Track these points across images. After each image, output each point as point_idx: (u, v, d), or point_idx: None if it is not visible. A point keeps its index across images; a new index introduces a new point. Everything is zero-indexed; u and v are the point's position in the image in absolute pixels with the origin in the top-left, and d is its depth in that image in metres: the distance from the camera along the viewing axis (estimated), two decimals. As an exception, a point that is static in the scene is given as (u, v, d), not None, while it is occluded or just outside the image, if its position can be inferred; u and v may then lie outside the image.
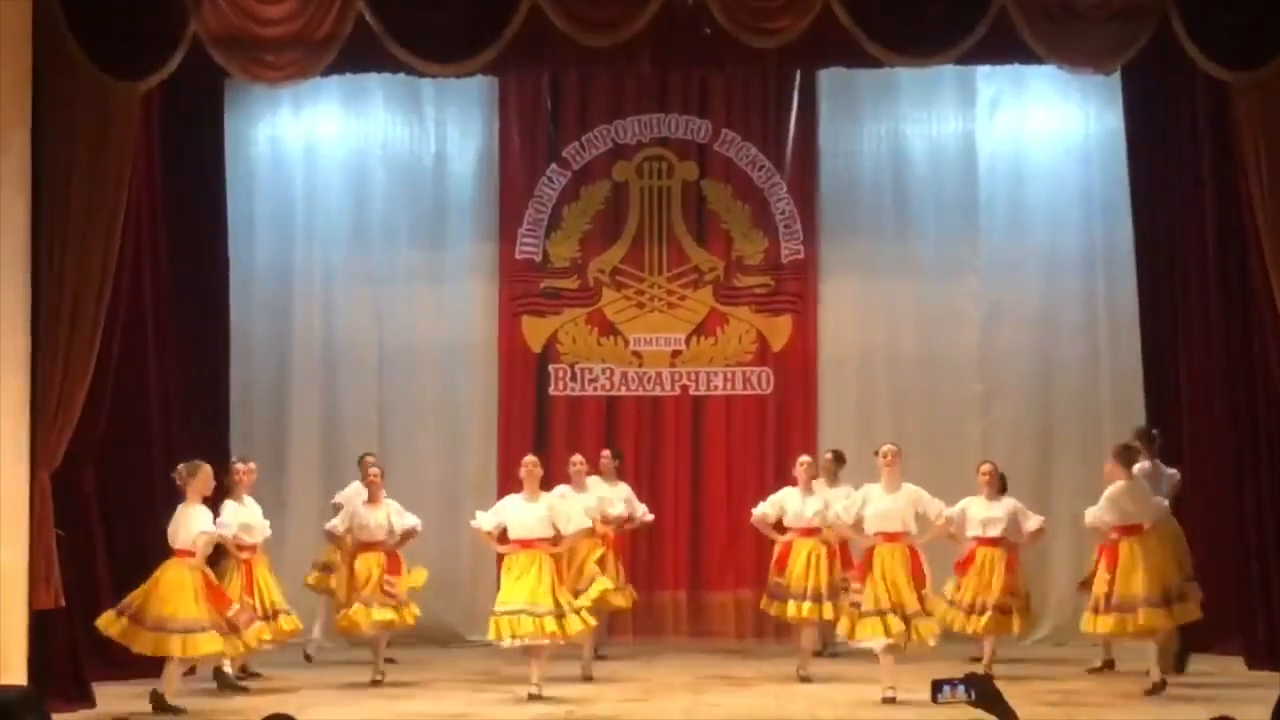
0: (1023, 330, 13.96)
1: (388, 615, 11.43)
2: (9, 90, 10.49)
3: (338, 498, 12.37)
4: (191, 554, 10.55)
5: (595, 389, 14.11)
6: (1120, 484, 10.93)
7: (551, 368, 14.10)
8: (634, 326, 14.11)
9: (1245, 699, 9.55)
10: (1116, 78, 12.67)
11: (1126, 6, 10.38)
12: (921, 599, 10.56)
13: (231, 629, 10.63)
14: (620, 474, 12.83)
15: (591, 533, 11.64)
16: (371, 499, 11.69)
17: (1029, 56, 11.05)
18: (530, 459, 11.22)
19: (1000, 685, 4.68)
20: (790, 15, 10.57)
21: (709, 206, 14.17)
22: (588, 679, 11.60)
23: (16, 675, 10.18)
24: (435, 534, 12.64)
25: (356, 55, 11.00)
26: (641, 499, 12.90)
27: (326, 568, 12.37)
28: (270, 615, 11.30)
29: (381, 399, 14.12)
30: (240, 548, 11.31)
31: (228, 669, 11.32)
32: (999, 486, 11.52)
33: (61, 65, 10.58)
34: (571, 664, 11.63)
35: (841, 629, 10.96)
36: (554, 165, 14.19)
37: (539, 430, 13.79)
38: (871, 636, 10.50)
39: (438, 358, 14.15)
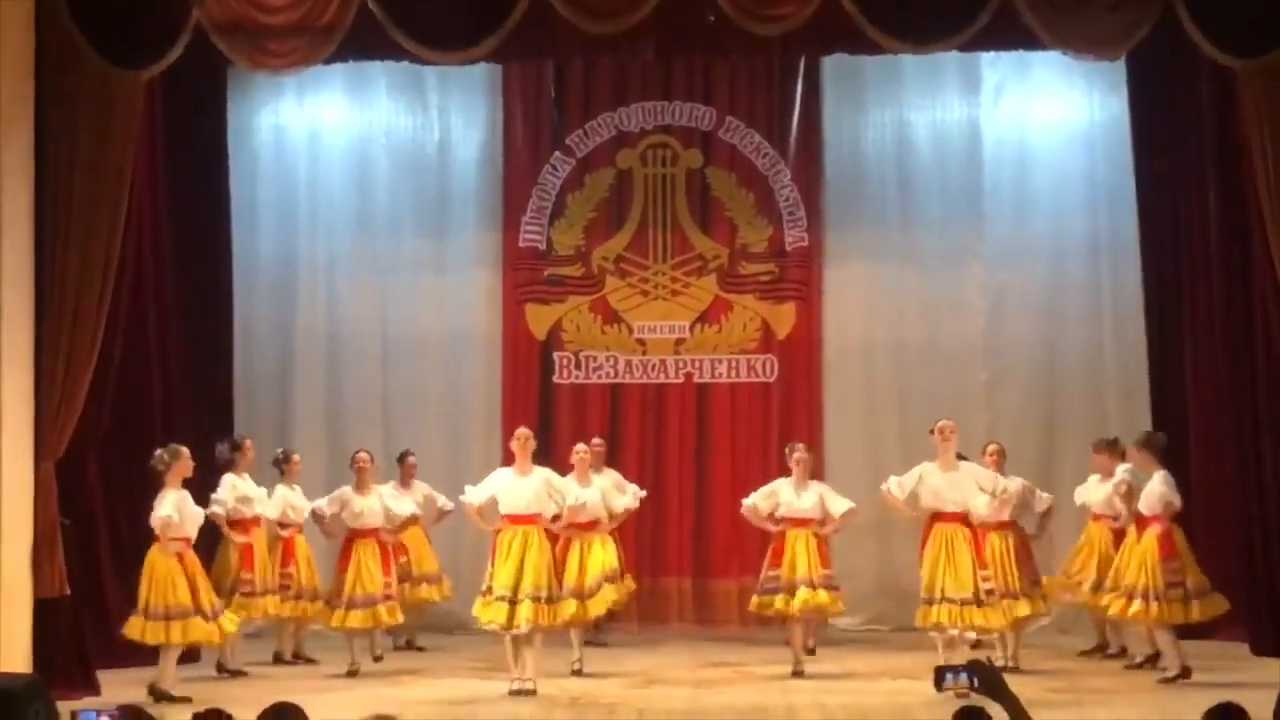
0: (1027, 318, 13.95)
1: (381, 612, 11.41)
2: (11, 80, 10.50)
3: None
4: (177, 540, 10.57)
5: (599, 377, 14.10)
6: (1162, 471, 10.88)
7: (556, 356, 14.10)
8: (638, 314, 14.10)
9: (1249, 684, 9.56)
10: (1121, 64, 12.66)
11: (1131, -9, 10.38)
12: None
13: (213, 615, 10.65)
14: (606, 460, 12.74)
15: (595, 524, 11.61)
16: (360, 486, 11.62)
17: (1033, 43, 11.04)
18: (523, 430, 11.04)
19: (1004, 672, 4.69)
20: (794, 2, 10.58)
21: (713, 194, 14.16)
22: (577, 673, 11.36)
23: (21, 663, 10.22)
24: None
25: (359, 43, 11.01)
26: (645, 487, 12.89)
27: None
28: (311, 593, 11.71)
29: (385, 387, 14.12)
30: (234, 524, 11.42)
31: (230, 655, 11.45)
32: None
33: (64, 54, 10.59)
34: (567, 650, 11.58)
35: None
36: (558, 153, 14.18)
37: (543, 418, 13.76)
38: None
39: (441, 346, 14.15)
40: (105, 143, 10.67)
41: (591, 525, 11.70)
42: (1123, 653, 11.82)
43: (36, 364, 10.61)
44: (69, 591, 10.62)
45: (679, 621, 13.76)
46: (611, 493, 12.15)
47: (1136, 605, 10.70)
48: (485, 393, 14.11)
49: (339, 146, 14.34)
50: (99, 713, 5.21)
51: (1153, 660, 11.29)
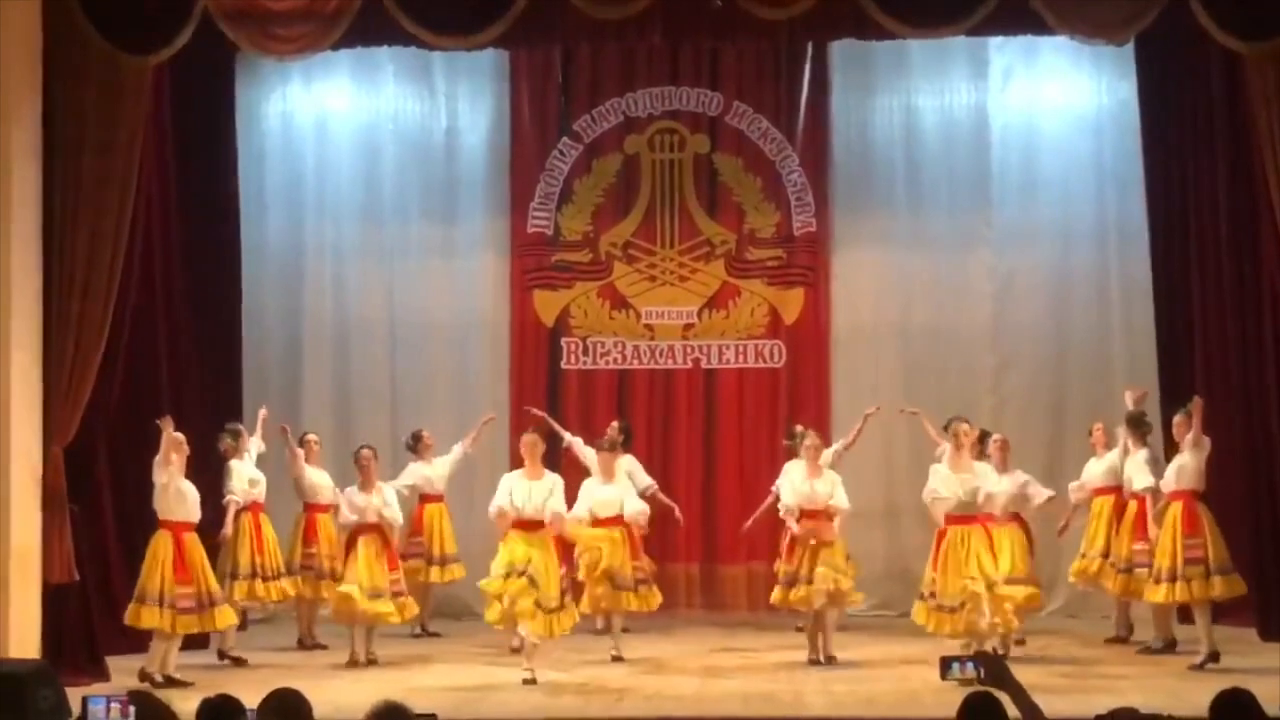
0: (1035, 303, 13.93)
1: (385, 607, 11.27)
2: (20, 65, 10.51)
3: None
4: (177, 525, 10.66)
5: (607, 363, 14.11)
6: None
7: (563, 341, 14.10)
8: (646, 300, 14.10)
9: (1258, 669, 9.57)
10: (1129, 48, 12.61)
11: (1139, -24, 10.36)
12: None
13: (211, 603, 10.67)
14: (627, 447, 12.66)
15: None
16: (363, 483, 11.45)
17: (1041, 27, 11.02)
18: (529, 435, 10.94)
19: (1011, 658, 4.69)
20: (801, -13, 10.56)
21: (720, 179, 14.14)
22: (618, 659, 11.37)
23: (31, 648, 10.25)
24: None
25: (367, 28, 11.01)
26: (653, 473, 12.92)
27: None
28: (331, 573, 11.74)
29: (393, 373, 14.14)
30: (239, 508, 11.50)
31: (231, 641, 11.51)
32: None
33: (72, 40, 10.61)
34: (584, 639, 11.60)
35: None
36: (565, 138, 14.16)
37: (551, 404, 13.77)
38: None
39: (449, 332, 14.15)
40: (113, 126, 10.67)
41: (616, 520, 11.56)
42: (1131, 632, 11.83)
43: (45, 346, 10.62)
44: (78, 577, 10.64)
45: (687, 607, 13.75)
46: (630, 491, 11.84)
47: (1163, 589, 10.70)
48: (493, 379, 14.11)
49: (346, 132, 14.34)
50: (108, 698, 5.23)
51: (1171, 647, 11.30)
